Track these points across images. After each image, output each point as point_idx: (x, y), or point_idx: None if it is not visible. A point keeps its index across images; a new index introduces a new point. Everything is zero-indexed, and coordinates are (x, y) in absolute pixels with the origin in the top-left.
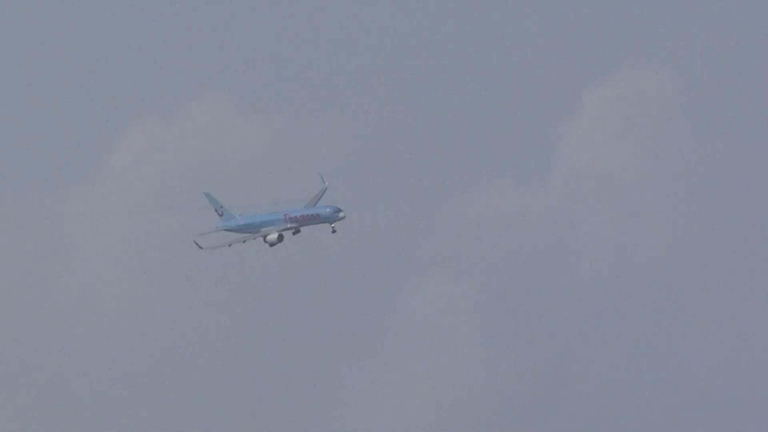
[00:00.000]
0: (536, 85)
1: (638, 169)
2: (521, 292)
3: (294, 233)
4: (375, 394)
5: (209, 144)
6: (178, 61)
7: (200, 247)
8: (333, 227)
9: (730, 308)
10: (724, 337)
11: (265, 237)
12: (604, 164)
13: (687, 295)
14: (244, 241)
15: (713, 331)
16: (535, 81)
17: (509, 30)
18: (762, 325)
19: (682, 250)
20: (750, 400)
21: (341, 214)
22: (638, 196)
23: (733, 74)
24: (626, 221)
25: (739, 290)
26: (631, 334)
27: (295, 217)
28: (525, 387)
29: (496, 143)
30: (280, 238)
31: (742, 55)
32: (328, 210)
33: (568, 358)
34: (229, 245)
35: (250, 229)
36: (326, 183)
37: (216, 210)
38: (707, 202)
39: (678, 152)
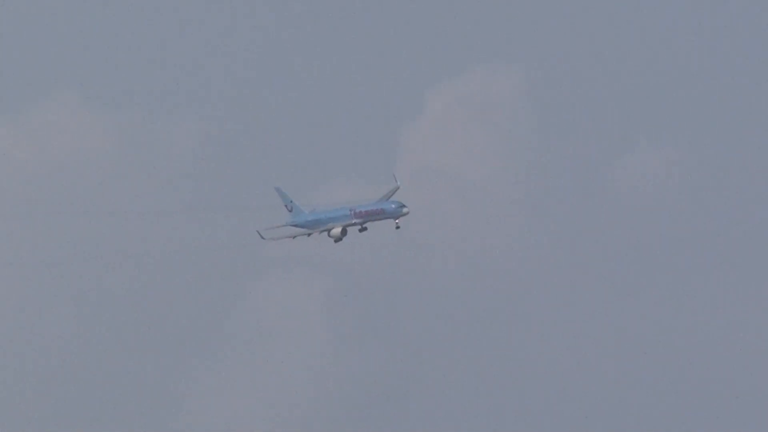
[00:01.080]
0: (381, 84)
1: (483, 168)
2: (367, 292)
3: (360, 230)
4: (225, 392)
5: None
6: (24, 61)
7: (262, 237)
8: (397, 223)
9: (567, 303)
10: (567, 336)
11: (329, 231)
12: (449, 163)
13: (534, 293)
14: (308, 235)
15: (554, 329)
16: (380, 81)
17: (353, 29)
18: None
19: (528, 247)
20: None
21: (405, 210)
22: (483, 195)
23: (578, 72)
24: (472, 219)
25: (578, 286)
26: (478, 332)
27: (361, 212)
28: (372, 385)
29: (342, 142)
30: (344, 232)
31: (587, 53)
32: (393, 206)
33: (416, 357)
34: (294, 238)
35: (318, 224)
36: (398, 182)
37: (286, 205)
38: (553, 199)
39: (523, 150)
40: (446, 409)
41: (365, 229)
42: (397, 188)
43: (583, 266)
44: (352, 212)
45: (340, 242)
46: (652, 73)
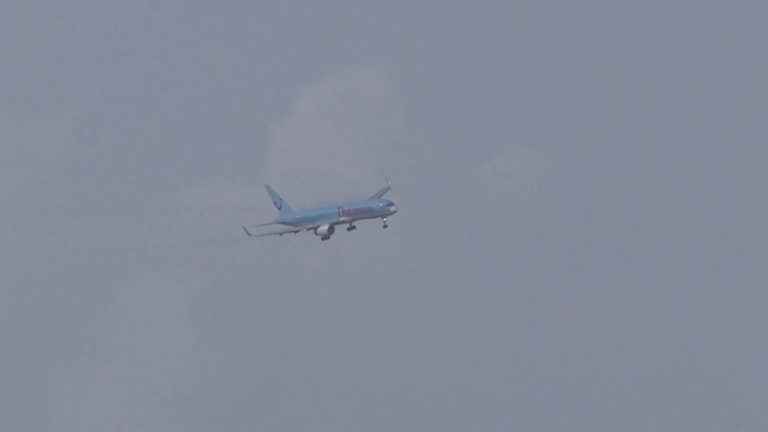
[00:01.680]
0: (249, 83)
1: (351, 167)
2: (232, 291)
3: (348, 229)
4: (92, 391)
5: None
6: None
7: (248, 234)
8: (384, 221)
9: (437, 303)
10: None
11: (316, 229)
12: (317, 162)
13: (404, 291)
14: (296, 232)
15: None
16: (249, 79)
17: (221, 29)
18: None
19: (396, 246)
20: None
21: (392, 208)
22: (353, 194)
23: (446, 72)
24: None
25: (450, 286)
26: (347, 334)
27: (348, 210)
28: (240, 385)
29: (210, 140)
30: (331, 230)
31: (454, 52)
32: (380, 204)
33: (284, 357)
34: (280, 234)
35: (306, 222)
36: (389, 183)
37: (275, 203)
38: (421, 198)
39: (391, 150)
40: (317, 409)
41: (354, 227)
42: (388, 188)
43: (452, 265)
44: (340, 210)
45: (327, 240)
46: (519, 73)
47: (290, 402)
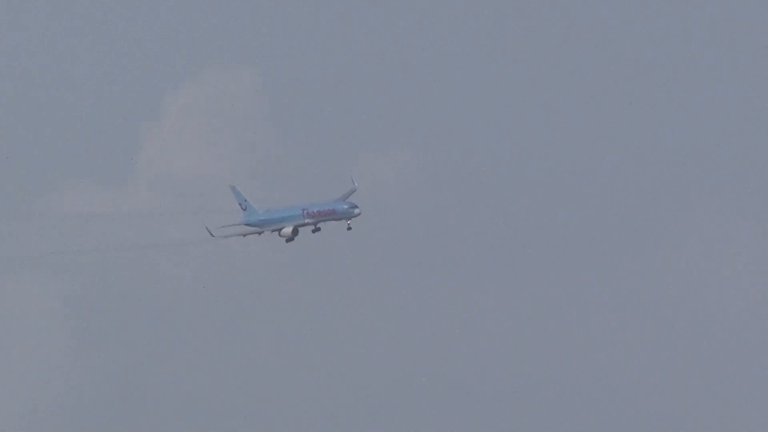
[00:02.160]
0: (119, 85)
1: (222, 169)
2: (106, 293)
3: (313, 231)
4: None
5: None
6: None
7: (212, 235)
8: (348, 224)
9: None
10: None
11: (280, 231)
12: (187, 165)
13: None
14: (260, 234)
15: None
16: (118, 81)
17: (92, 30)
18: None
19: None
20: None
21: (356, 211)
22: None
23: (313, 74)
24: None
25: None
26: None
27: (313, 212)
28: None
29: (80, 144)
30: (295, 232)
31: (325, 55)
32: (344, 206)
33: (152, 359)
34: (244, 236)
35: (270, 224)
36: (356, 184)
37: (240, 204)
38: (295, 200)
39: (261, 151)
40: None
41: (318, 229)
42: (354, 190)
43: (329, 264)
44: (305, 212)
45: (291, 242)
46: (387, 74)
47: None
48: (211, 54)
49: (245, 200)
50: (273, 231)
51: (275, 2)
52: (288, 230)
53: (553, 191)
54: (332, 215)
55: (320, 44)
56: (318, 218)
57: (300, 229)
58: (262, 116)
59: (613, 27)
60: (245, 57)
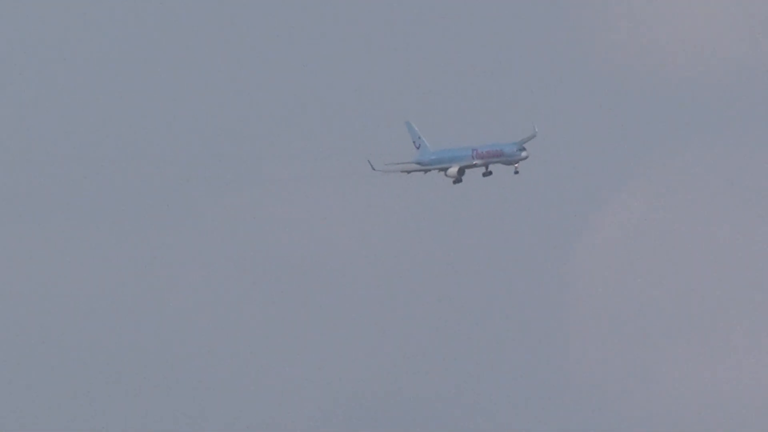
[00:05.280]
0: None
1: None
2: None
3: (484, 174)
4: None
5: None
6: None
7: (373, 168)
8: (516, 167)
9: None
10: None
11: (446, 171)
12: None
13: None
14: (425, 172)
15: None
16: None
17: None
18: None
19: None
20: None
21: (524, 154)
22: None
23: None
24: None
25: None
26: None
27: (482, 153)
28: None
29: None
30: (461, 172)
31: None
32: (512, 148)
33: None
34: (408, 173)
35: (440, 163)
36: (536, 130)
37: (414, 141)
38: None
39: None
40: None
41: (490, 173)
42: (534, 135)
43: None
44: (474, 152)
45: (459, 183)
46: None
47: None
48: None
49: (419, 137)
50: (440, 171)
51: None
52: (454, 170)
53: None
54: (500, 157)
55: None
56: (486, 159)
57: (469, 171)
58: None
59: None
60: None
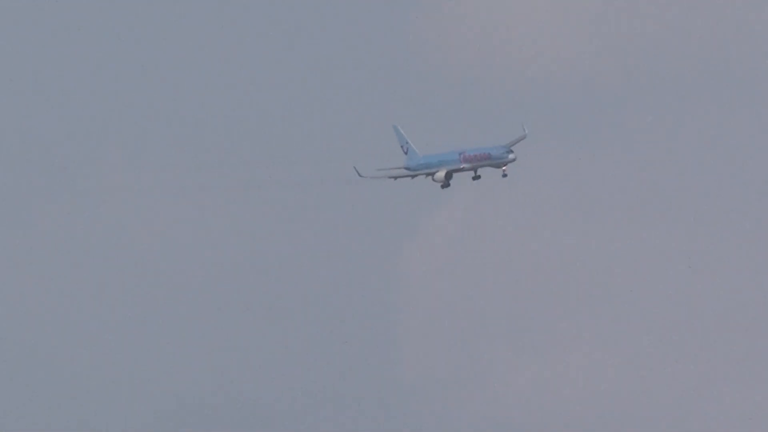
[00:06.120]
0: None
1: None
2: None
3: (473, 178)
4: None
5: None
6: None
7: (359, 175)
8: (504, 170)
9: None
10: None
11: (433, 175)
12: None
13: None
14: (413, 177)
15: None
16: None
17: None
18: None
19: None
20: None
21: (511, 156)
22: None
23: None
24: None
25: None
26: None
27: (469, 156)
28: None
29: None
30: (449, 176)
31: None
32: (500, 151)
33: None
34: (395, 179)
35: (428, 168)
36: (526, 131)
37: (402, 146)
38: None
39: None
40: None
41: (479, 177)
42: (524, 137)
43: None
44: (462, 156)
45: (447, 188)
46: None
47: None
48: None
49: (407, 142)
50: (427, 175)
51: None
52: (441, 174)
53: None
54: (488, 160)
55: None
56: (474, 163)
57: (457, 174)
58: None
59: None
60: None
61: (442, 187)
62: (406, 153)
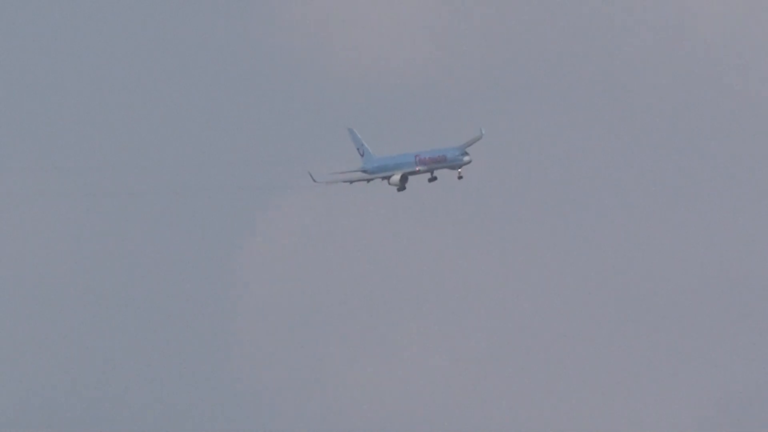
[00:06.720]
0: None
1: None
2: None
3: (430, 180)
4: None
5: None
6: None
7: (314, 180)
8: (459, 173)
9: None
10: None
11: (389, 178)
12: None
13: None
14: (368, 181)
15: None
16: None
17: None
18: None
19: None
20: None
21: (466, 158)
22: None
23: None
24: None
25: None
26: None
27: (425, 158)
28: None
29: None
30: (404, 179)
31: None
32: (455, 153)
33: None
34: (350, 183)
35: (384, 170)
36: (483, 132)
37: (357, 149)
38: None
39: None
40: None
41: (435, 179)
42: (480, 138)
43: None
44: (417, 158)
45: (403, 191)
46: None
47: None
48: None
49: (362, 145)
50: (383, 179)
51: None
52: (396, 177)
53: None
54: (443, 162)
55: None
56: (430, 165)
57: (412, 177)
58: None
59: None
60: None
61: (398, 190)
62: (362, 156)
